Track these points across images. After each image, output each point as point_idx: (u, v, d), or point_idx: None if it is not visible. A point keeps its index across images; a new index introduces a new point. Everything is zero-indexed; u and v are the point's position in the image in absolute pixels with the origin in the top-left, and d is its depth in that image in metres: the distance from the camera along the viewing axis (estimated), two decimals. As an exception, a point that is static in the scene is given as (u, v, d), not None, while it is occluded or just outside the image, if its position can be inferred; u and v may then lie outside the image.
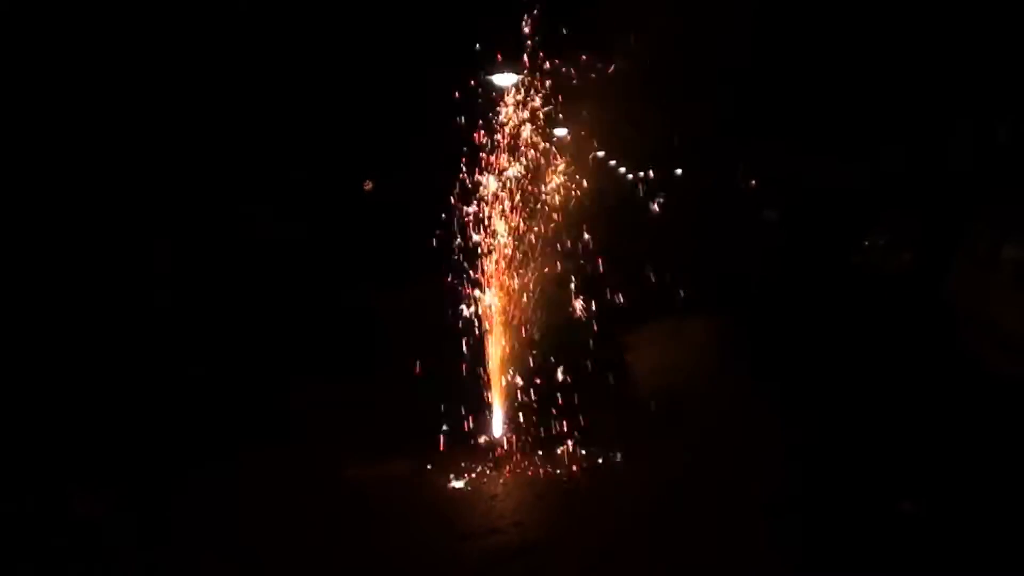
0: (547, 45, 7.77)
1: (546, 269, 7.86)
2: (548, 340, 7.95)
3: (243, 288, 12.64)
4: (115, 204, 12.45)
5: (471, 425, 7.57)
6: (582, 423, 7.63)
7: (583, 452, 7.32)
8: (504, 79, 7.86)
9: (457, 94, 7.88)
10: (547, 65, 7.77)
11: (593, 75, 8.86)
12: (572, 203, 8.05)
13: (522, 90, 7.77)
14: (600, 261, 8.48)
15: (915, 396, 8.35)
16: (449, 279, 7.78)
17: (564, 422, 7.62)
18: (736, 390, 8.78)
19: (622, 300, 8.77)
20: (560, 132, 8.56)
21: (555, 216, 7.91)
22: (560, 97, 7.87)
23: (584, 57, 8.40)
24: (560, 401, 7.76)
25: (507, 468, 7.14)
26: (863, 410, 8.05)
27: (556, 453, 7.33)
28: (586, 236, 8.30)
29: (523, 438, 7.49)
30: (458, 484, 6.89)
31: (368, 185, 16.92)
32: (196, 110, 13.38)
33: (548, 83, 7.79)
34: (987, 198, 9.81)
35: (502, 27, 7.81)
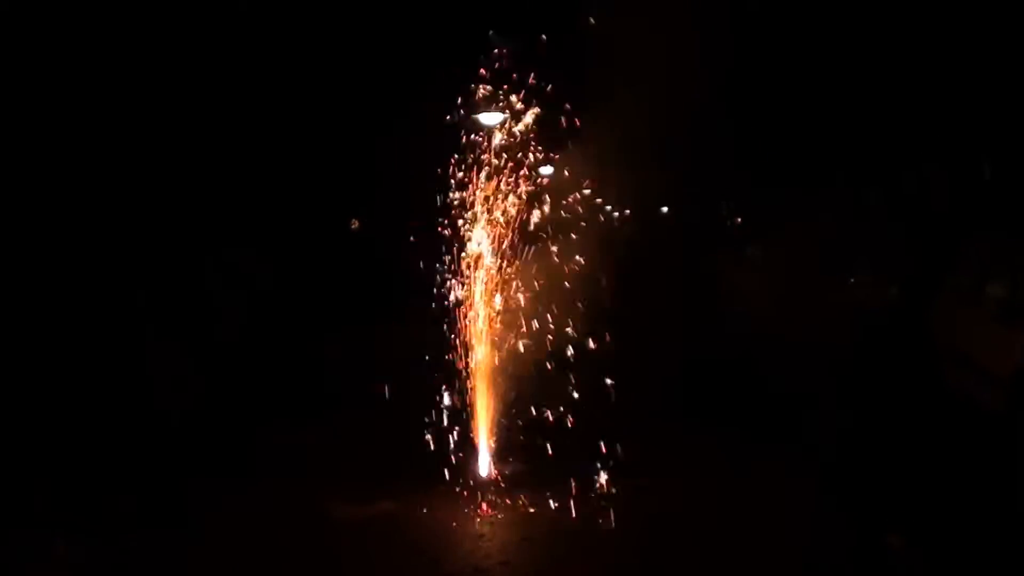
0: (533, 85, 7.83)
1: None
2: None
3: (219, 330, 12.60)
4: (90, 246, 12.44)
5: (457, 463, 7.54)
6: (571, 460, 7.62)
7: (571, 491, 7.28)
8: (490, 118, 7.91)
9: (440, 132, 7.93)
10: (531, 104, 7.83)
11: (578, 115, 8.93)
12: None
13: (507, 129, 7.82)
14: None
15: (899, 430, 8.38)
16: (432, 316, 7.78)
17: (553, 460, 7.61)
18: (724, 424, 8.80)
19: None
20: (546, 171, 8.61)
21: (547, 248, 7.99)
22: (545, 137, 7.93)
23: (569, 97, 8.48)
24: (548, 439, 7.76)
25: (494, 507, 7.10)
26: (848, 445, 8.06)
27: (544, 492, 7.29)
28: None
29: (510, 476, 7.46)
30: (444, 523, 6.85)
31: (355, 224, 16.93)
32: (173, 150, 13.39)
33: (533, 121, 7.85)
34: (971, 235, 9.89)
35: (487, 68, 7.86)
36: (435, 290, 7.82)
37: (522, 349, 7.83)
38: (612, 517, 6.83)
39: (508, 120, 7.85)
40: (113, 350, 11.40)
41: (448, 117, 7.98)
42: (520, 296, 7.81)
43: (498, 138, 7.80)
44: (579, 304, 8.63)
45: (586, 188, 8.78)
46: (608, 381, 8.60)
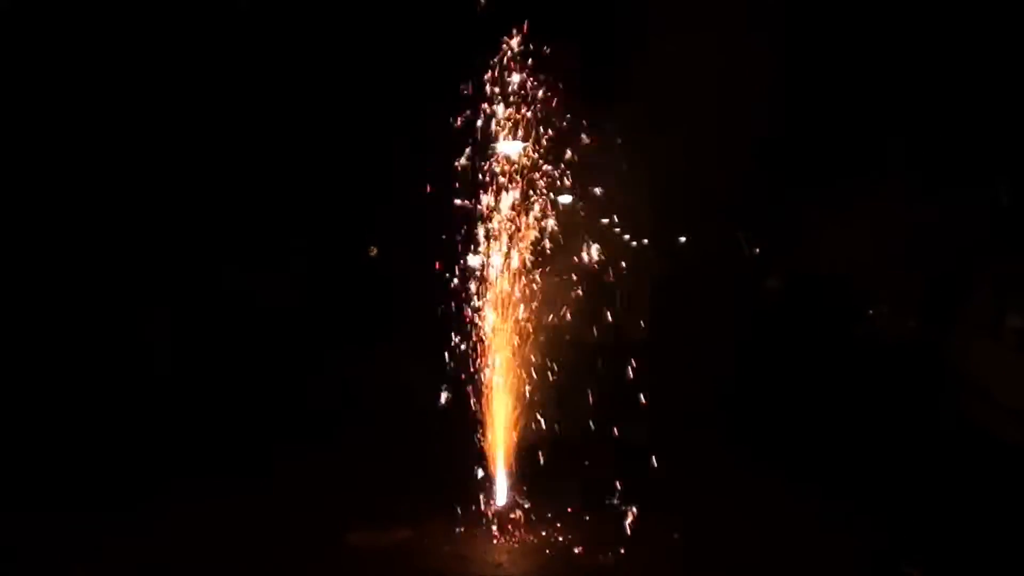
0: (554, 114, 7.85)
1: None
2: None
3: (234, 353, 12.65)
4: (111, 271, 12.57)
5: (475, 490, 7.52)
6: (590, 488, 7.59)
7: (591, 520, 7.24)
8: (510, 147, 7.92)
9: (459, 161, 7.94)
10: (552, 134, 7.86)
11: (599, 144, 8.95)
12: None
13: (527, 159, 7.83)
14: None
15: (918, 461, 8.34)
16: (449, 339, 7.79)
17: (572, 488, 7.58)
18: (739, 458, 8.77)
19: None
20: (564, 200, 8.63)
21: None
22: (564, 166, 7.95)
23: (590, 127, 8.50)
24: (567, 466, 7.74)
25: (512, 535, 7.08)
26: (867, 475, 8.02)
27: (563, 521, 7.25)
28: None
29: (529, 504, 7.44)
30: (461, 551, 6.83)
31: (373, 251, 17.02)
32: (191, 174, 13.51)
33: (552, 151, 7.87)
34: (990, 266, 9.87)
35: (508, 94, 7.88)
36: (451, 312, 7.81)
37: (547, 375, 7.80)
38: (633, 547, 6.80)
39: (527, 148, 7.86)
40: (129, 366, 11.54)
41: (467, 146, 7.99)
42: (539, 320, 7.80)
43: (516, 166, 7.83)
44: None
45: (604, 218, 8.80)
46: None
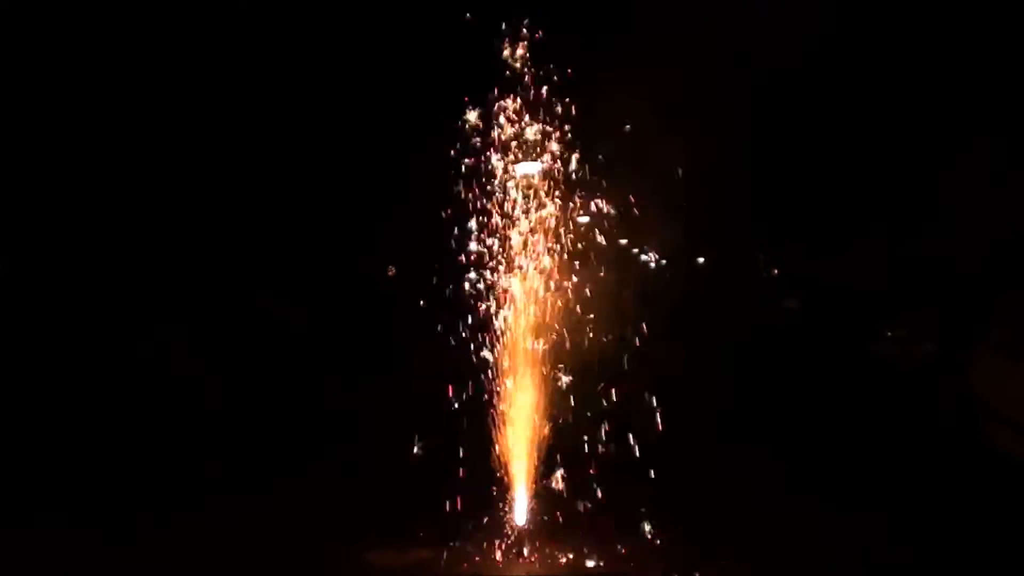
0: (571, 130, 7.86)
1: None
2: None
3: (240, 372, 12.66)
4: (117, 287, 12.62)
5: (493, 511, 7.50)
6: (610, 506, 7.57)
7: (612, 538, 7.21)
8: (528, 167, 7.92)
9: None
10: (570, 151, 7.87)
11: (616, 161, 8.98)
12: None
13: (546, 178, 7.84)
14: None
15: (936, 484, 8.30)
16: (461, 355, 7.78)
17: (597, 503, 7.55)
18: (746, 469, 8.73)
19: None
20: (583, 220, 8.66)
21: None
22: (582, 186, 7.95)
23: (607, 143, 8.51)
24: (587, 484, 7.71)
25: (532, 554, 7.05)
26: (881, 497, 7.99)
27: (586, 544, 7.22)
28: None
29: (550, 524, 7.41)
30: (482, 570, 6.81)
31: (391, 270, 17.03)
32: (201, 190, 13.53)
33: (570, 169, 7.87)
34: (1009, 289, 9.83)
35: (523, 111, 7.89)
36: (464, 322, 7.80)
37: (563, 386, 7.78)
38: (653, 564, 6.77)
39: (544, 169, 7.87)
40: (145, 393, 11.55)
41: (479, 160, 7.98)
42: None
43: (531, 183, 7.84)
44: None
45: (623, 239, 8.79)
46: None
